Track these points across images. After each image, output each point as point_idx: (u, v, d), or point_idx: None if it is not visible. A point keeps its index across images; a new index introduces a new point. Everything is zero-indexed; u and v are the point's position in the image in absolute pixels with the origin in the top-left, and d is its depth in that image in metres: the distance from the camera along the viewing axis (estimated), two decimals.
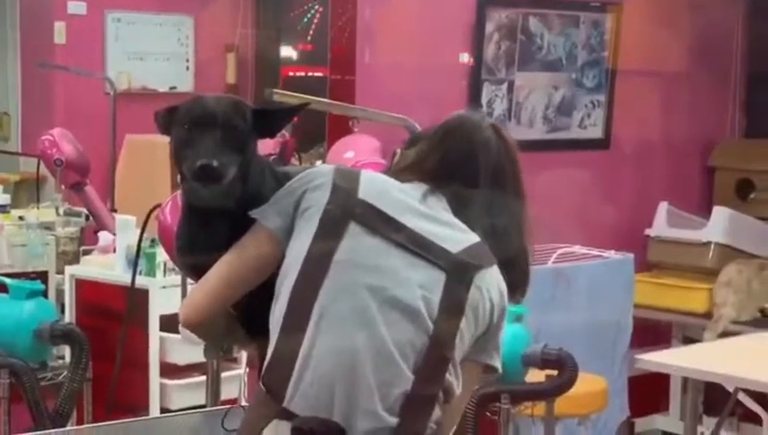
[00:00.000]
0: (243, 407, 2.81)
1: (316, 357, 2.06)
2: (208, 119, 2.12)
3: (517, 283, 2.21)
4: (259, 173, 2.20)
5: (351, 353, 2.06)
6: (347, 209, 2.12)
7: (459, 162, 2.23)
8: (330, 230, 2.11)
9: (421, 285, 2.09)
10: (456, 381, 2.11)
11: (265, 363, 2.12)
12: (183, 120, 2.15)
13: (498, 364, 2.20)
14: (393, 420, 2.06)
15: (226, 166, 2.10)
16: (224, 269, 2.16)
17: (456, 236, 2.15)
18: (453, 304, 2.10)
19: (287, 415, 2.06)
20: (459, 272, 2.11)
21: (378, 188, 2.18)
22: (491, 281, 2.14)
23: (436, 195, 2.19)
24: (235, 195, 2.14)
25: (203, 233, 2.21)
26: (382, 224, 2.12)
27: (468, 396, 2.22)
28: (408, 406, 2.06)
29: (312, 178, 2.18)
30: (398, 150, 2.34)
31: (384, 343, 2.06)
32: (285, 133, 4.52)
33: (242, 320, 2.25)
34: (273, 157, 4.80)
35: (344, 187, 2.15)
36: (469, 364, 2.16)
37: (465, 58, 5.89)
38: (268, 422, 2.08)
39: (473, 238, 2.16)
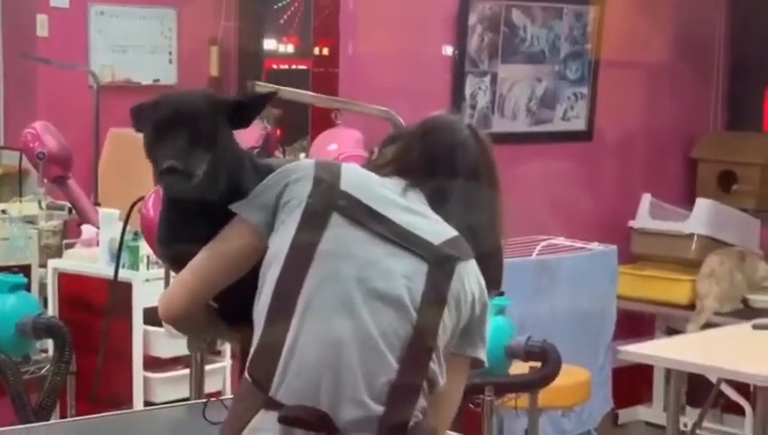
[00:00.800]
0: (222, 401, 2.81)
1: (301, 347, 2.07)
2: (174, 117, 2.12)
3: (492, 278, 2.23)
4: (237, 165, 2.19)
5: (337, 343, 2.07)
6: (329, 201, 2.13)
7: (437, 161, 2.25)
8: (313, 222, 2.11)
9: (404, 275, 2.11)
10: (439, 370, 2.12)
11: (251, 354, 2.13)
12: (150, 119, 2.15)
13: (485, 357, 2.22)
14: (379, 409, 2.07)
15: (194, 165, 2.10)
16: (202, 263, 2.16)
17: (437, 229, 2.17)
18: (435, 294, 2.11)
19: (273, 405, 2.07)
20: (441, 263, 2.12)
21: (359, 180, 2.19)
22: (471, 273, 2.16)
23: (415, 190, 2.21)
24: (209, 189, 2.13)
25: (182, 225, 2.21)
26: (365, 215, 2.13)
27: (461, 392, 2.23)
28: (394, 395, 2.08)
29: (293, 171, 2.19)
30: (376, 149, 2.35)
31: (369, 333, 2.07)
32: (268, 126, 4.52)
33: (224, 313, 2.25)
34: (256, 149, 4.80)
35: (326, 179, 2.15)
36: (457, 359, 2.18)
37: (449, 50, 5.89)
38: (255, 413, 2.08)
39: (452, 232, 2.18)
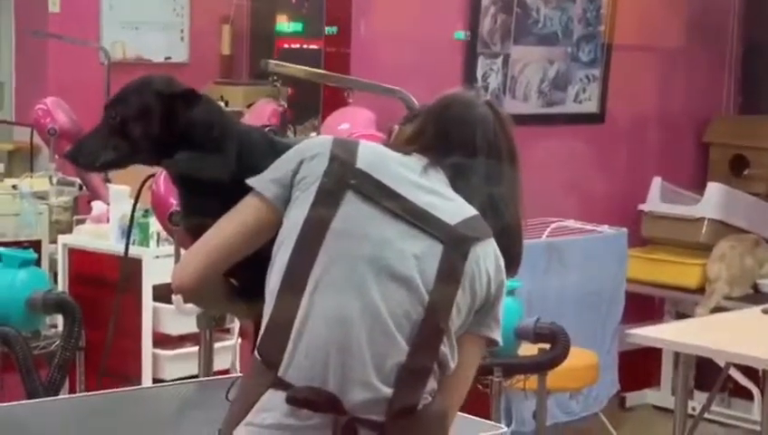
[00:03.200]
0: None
1: (311, 327, 2.07)
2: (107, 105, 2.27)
3: (511, 257, 2.22)
4: (239, 147, 2.21)
5: (346, 323, 2.06)
6: (344, 179, 2.12)
7: (456, 137, 2.23)
8: (326, 199, 2.11)
9: (417, 255, 2.10)
10: (450, 352, 2.12)
11: (260, 333, 2.12)
12: None
13: (499, 337, 2.21)
14: (388, 391, 2.06)
15: (86, 152, 2.25)
16: (216, 234, 2.16)
17: (454, 209, 2.15)
18: (449, 275, 2.10)
19: (282, 385, 2.06)
20: (456, 244, 2.11)
21: (376, 158, 2.18)
22: (488, 253, 2.15)
23: (435, 168, 2.20)
24: (198, 174, 2.20)
25: (194, 200, 2.24)
26: (379, 194, 2.12)
27: (474, 371, 2.22)
28: (403, 377, 2.07)
29: (310, 147, 2.18)
30: (396, 126, 2.34)
31: (379, 314, 2.06)
32: (284, 103, 4.51)
33: (238, 288, 2.25)
34: (269, 128, 4.79)
35: (342, 156, 2.15)
36: (471, 338, 2.17)
37: (461, 31, 5.87)
38: (263, 392, 2.08)
39: (470, 211, 2.16)
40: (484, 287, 2.14)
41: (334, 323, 2.06)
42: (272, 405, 2.07)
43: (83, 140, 2.25)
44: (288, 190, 2.14)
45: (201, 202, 2.21)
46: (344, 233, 2.10)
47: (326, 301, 2.07)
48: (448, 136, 2.23)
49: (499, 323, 2.20)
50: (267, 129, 4.20)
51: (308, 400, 2.05)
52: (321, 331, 2.06)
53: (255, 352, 2.14)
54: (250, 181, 2.15)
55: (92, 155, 2.22)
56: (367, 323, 2.06)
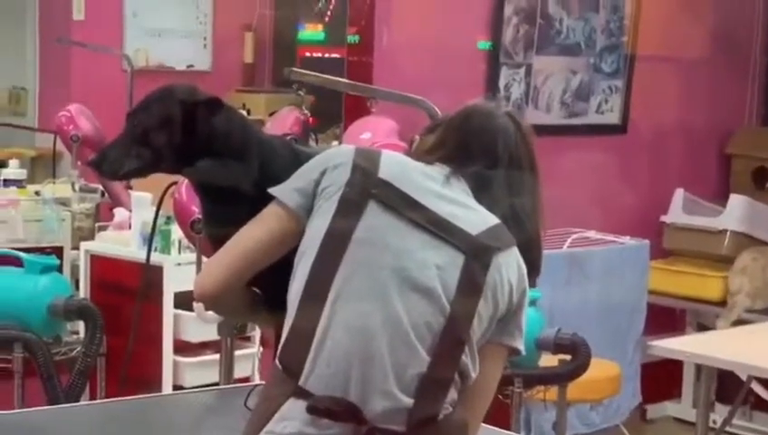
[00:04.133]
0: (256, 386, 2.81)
1: (332, 336, 2.06)
2: (131, 113, 2.28)
3: (531, 267, 2.21)
4: (262, 156, 2.22)
5: (367, 333, 2.06)
6: (367, 189, 2.12)
7: (477, 148, 2.23)
8: (349, 209, 2.11)
9: (438, 265, 2.09)
10: (471, 363, 2.11)
11: (282, 341, 2.12)
12: None
13: (521, 346, 2.20)
14: (409, 401, 2.06)
15: (112, 160, 2.24)
16: (239, 243, 2.16)
17: (476, 219, 2.15)
18: (471, 285, 2.10)
19: (303, 394, 2.06)
20: (478, 254, 2.11)
21: (398, 168, 2.18)
22: (510, 263, 2.14)
23: (458, 177, 2.20)
24: (221, 183, 2.20)
25: (215, 209, 2.25)
26: (402, 204, 2.12)
27: (497, 381, 2.21)
28: (424, 387, 2.06)
29: (333, 157, 2.18)
30: (417, 136, 2.35)
31: (400, 324, 2.06)
32: (306, 112, 4.51)
33: (262, 297, 2.25)
34: (291, 136, 4.80)
35: (365, 166, 2.14)
36: (494, 347, 2.16)
37: (484, 41, 5.87)
38: (284, 401, 2.08)
39: (492, 220, 2.16)
40: (506, 296, 2.13)
41: (356, 333, 2.06)
42: (292, 414, 2.07)
43: (107, 148, 2.25)
44: (311, 200, 2.14)
45: (223, 211, 2.21)
46: (366, 243, 2.09)
47: (348, 310, 2.07)
48: (469, 146, 2.23)
49: (522, 332, 2.19)
50: (289, 137, 4.21)
51: (329, 409, 2.04)
52: (343, 340, 2.06)
53: (276, 361, 2.13)
54: (273, 190, 2.15)
55: (116, 163, 2.23)
56: (388, 333, 2.06)
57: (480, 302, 2.10)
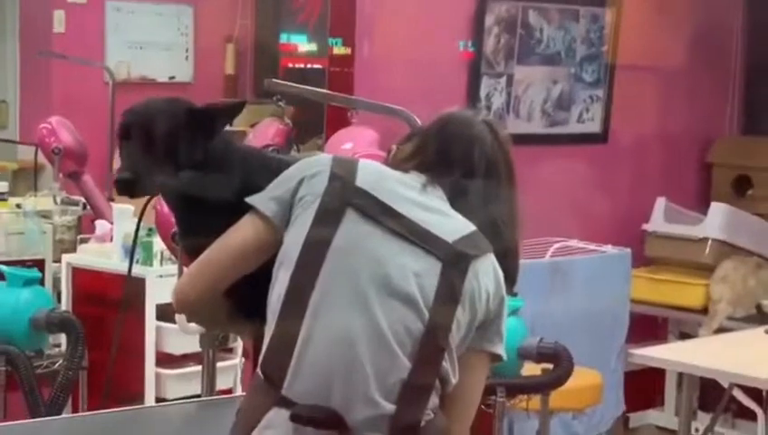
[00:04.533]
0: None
1: (314, 345, 2.07)
2: (129, 128, 2.18)
3: (508, 274, 2.22)
4: (239, 166, 2.21)
5: (349, 341, 2.07)
6: (344, 197, 2.13)
7: (454, 155, 2.25)
8: (327, 218, 2.12)
9: (417, 273, 2.11)
10: (451, 368, 2.12)
11: (263, 351, 2.13)
12: (118, 129, 2.23)
13: (503, 352, 2.22)
14: (391, 408, 2.07)
15: (145, 177, 2.16)
16: (216, 253, 2.17)
17: (453, 226, 2.16)
18: (449, 292, 2.11)
19: (285, 403, 2.07)
20: (455, 261, 2.12)
21: (375, 176, 2.19)
22: (487, 269, 2.15)
23: (434, 185, 2.21)
24: (198, 194, 2.17)
25: (191, 219, 2.24)
26: (379, 212, 2.13)
27: (481, 388, 2.23)
28: (405, 394, 2.07)
29: (310, 166, 2.19)
30: (395, 146, 2.36)
31: (381, 331, 2.07)
32: (289, 122, 4.52)
33: (239, 306, 2.25)
34: (272, 148, 4.80)
35: (342, 175, 2.16)
36: (475, 355, 2.18)
37: (464, 51, 5.88)
38: (266, 410, 2.08)
39: (469, 228, 2.17)
40: (484, 303, 2.15)
41: (337, 341, 2.07)
42: (276, 423, 2.08)
43: (131, 167, 2.17)
44: (288, 209, 2.15)
45: (200, 221, 2.21)
46: (345, 251, 2.10)
47: (328, 319, 2.08)
48: (446, 154, 2.24)
49: (502, 339, 2.20)
50: (271, 148, 4.22)
51: (312, 418, 2.05)
52: (325, 349, 2.07)
53: (258, 371, 2.14)
54: (250, 200, 2.16)
55: (147, 180, 2.18)
56: (369, 340, 2.07)
57: (458, 309, 2.11)
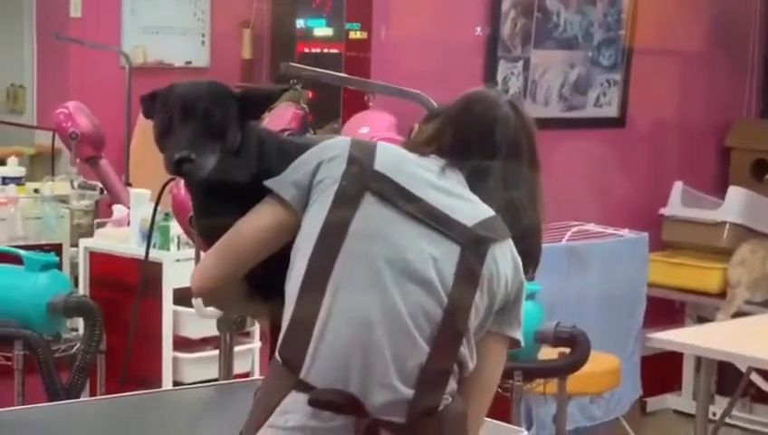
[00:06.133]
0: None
1: (332, 329, 2.07)
2: (185, 108, 2.13)
3: (530, 257, 2.22)
4: (258, 149, 2.20)
5: (367, 325, 2.06)
6: (362, 181, 2.12)
7: (476, 137, 2.23)
8: (345, 202, 2.11)
9: (435, 257, 2.10)
10: (468, 353, 2.12)
11: (281, 335, 2.12)
12: (161, 109, 2.16)
13: (521, 337, 2.21)
14: (409, 392, 2.06)
15: (203, 154, 2.11)
16: (235, 237, 2.16)
17: (472, 210, 2.15)
18: (467, 277, 2.10)
19: (304, 387, 2.07)
20: (474, 245, 2.11)
21: (393, 160, 2.18)
22: (505, 254, 2.14)
23: (453, 169, 2.19)
24: (222, 175, 2.15)
25: (211, 205, 2.22)
26: (397, 196, 2.12)
27: (499, 373, 2.22)
28: (424, 378, 2.07)
29: (328, 149, 2.18)
30: (416, 126, 2.34)
31: (399, 315, 2.07)
32: (304, 107, 4.51)
33: (257, 289, 2.25)
34: (289, 132, 4.79)
35: (360, 158, 2.14)
36: (493, 339, 2.17)
37: (481, 35, 5.87)
38: (285, 394, 2.08)
39: (488, 212, 2.16)
40: (502, 288, 2.14)
41: (356, 325, 2.07)
42: (294, 407, 2.08)
43: (187, 150, 2.11)
44: (306, 192, 2.14)
45: (218, 205, 2.20)
46: (363, 235, 2.10)
47: (347, 303, 2.07)
48: (468, 135, 2.23)
49: (521, 324, 2.20)
50: (287, 133, 4.21)
51: (330, 402, 2.05)
52: (343, 332, 2.07)
53: (276, 355, 2.14)
54: (268, 183, 2.15)
55: (205, 162, 2.12)
56: (388, 324, 2.07)
57: (476, 293, 2.10)
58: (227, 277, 2.17)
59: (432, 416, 2.09)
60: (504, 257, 2.14)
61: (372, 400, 2.06)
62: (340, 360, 2.06)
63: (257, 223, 2.16)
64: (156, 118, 2.18)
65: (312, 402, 2.05)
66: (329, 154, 2.16)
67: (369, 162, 2.14)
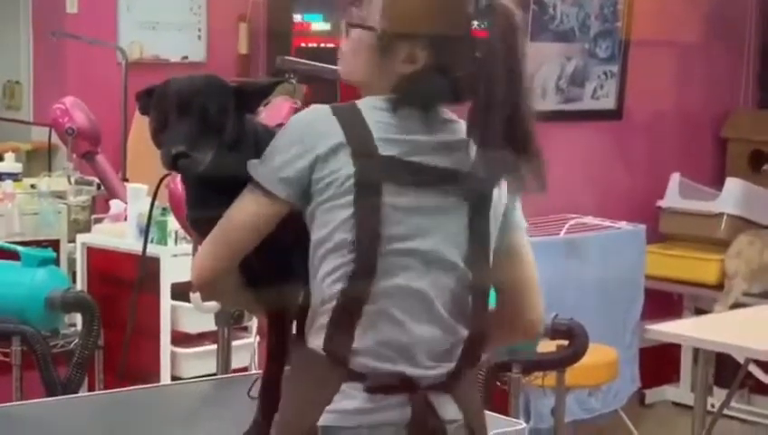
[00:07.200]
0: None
1: (378, 319, 2.11)
2: (181, 103, 2.13)
3: (536, 173, 2.20)
4: (253, 143, 2.20)
5: (408, 311, 2.13)
6: (377, 173, 2.10)
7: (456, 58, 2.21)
8: (367, 196, 2.09)
9: (454, 232, 2.15)
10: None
11: (325, 333, 2.12)
12: (157, 105, 2.16)
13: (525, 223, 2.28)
14: (452, 365, 2.15)
15: (199, 152, 2.11)
16: (230, 228, 2.15)
17: (465, 158, 2.15)
18: (479, 237, 2.17)
19: (355, 376, 2.11)
20: (480, 201, 2.17)
21: (390, 134, 2.13)
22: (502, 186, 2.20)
23: (440, 111, 2.18)
24: (219, 170, 2.15)
25: (205, 197, 2.22)
26: (410, 174, 2.12)
27: (532, 261, 2.29)
28: (467, 348, 2.17)
29: (317, 136, 2.12)
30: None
31: (431, 299, 2.13)
32: (298, 101, 4.51)
33: (254, 283, 2.24)
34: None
35: (362, 146, 2.11)
36: (516, 236, 2.24)
37: (478, 28, 5.86)
38: (337, 387, 2.11)
39: (484, 152, 2.14)
40: (501, 206, 2.21)
41: (399, 312, 2.12)
42: (350, 397, 2.11)
43: (184, 144, 2.11)
44: (304, 186, 2.11)
45: (214, 199, 2.20)
46: (394, 228, 2.11)
47: (388, 292, 2.11)
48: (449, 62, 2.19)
49: (520, 209, 2.27)
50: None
51: (385, 385, 2.11)
52: (388, 321, 2.11)
53: (320, 350, 2.13)
54: (260, 179, 2.12)
55: (202, 156, 2.13)
56: (425, 307, 2.13)
57: (490, 244, 2.19)
58: (226, 267, 2.17)
59: (471, 369, 2.21)
60: (500, 188, 2.20)
61: (421, 374, 2.13)
62: (388, 347, 2.12)
63: (251, 214, 2.13)
64: (152, 114, 2.17)
65: (369, 389, 2.10)
66: (323, 145, 2.11)
67: (373, 148, 2.11)
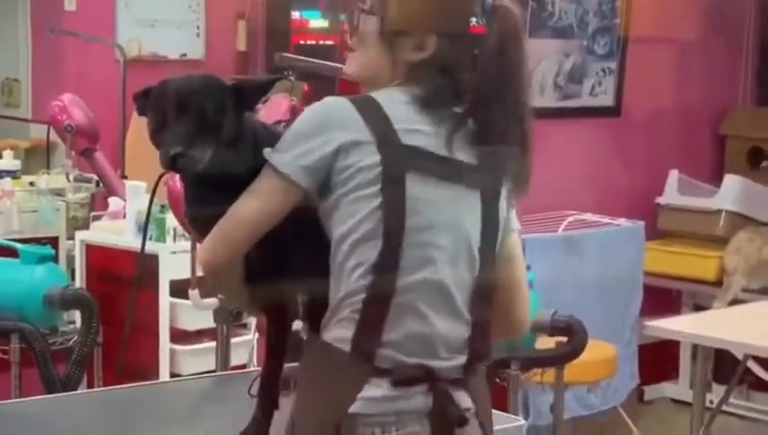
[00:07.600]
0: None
1: (404, 316, 2.13)
2: (179, 103, 2.12)
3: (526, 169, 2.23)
4: (253, 141, 2.19)
5: (431, 305, 2.15)
6: (400, 164, 2.10)
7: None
8: (392, 187, 2.09)
9: (471, 223, 2.17)
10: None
11: (354, 332, 2.12)
12: (155, 105, 2.15)
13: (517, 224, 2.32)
14: (464, 358, 2.19)
15: (198, 152, 2.10)
16: (243, 213, 2.12)
17: (477, 152, 2.17)
18: (491, 231, 2.20)
19: (381, 372, 2.12)
20: (492, 196, 2.19)
21: (412, 125, 2.13)
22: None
23: (448, 107, 2.18)
24: (219, 169, 2.14)
25: (202, 197, 2.21)
26: (433, 165, 2.13)
27: (522, 258, 2.32)
28: (478, 337, 2.20)
29: (340, 128, 2.10)
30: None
31: (451, 292, 2.16)
32: (294, 99, 4.51)
33: (254, 275, 2.24)
34: (284, 123, 4.79)
35: (384, 136, 2.10)
36: (512, 237, 2.27)
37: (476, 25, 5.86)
38: (363, 384, 2.12)
39: (492, 150, 2.17)
40: (506, 207, 2.24)
41: (423, 307, 2.14)
42: (377, 392, 2.13)
43: (181, 144, 2.10)
44: (323, 177, 2.10)
45: (213, 197, 2.19)
46: (417, 220, 2.11)
47: (413, 288, 2.13)
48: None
49: (514, 208, 2.29)
50: (283, 124, 4.20)
51: (411, 378, 2.13)
52: (412, 323, 2.13)
53: (340, 343, 2.13)
54: (277, 165, 2.10)
55: (199, 156, 2.12)
56: (443, 298, 2.16)
57: (498, 241, 2.21)
58: (237, 254, 2.15)
59: (482, 362, 2.23)
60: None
61: (442, 365, 2.16)
62: (413, 340, 2.14)
63: (267, 200, 2.10)
64: (150, 115, 2.17)
65: (396, 383, 2.12)
66: (346, 136, 2.09)
67: (395, 138, 2.10)
